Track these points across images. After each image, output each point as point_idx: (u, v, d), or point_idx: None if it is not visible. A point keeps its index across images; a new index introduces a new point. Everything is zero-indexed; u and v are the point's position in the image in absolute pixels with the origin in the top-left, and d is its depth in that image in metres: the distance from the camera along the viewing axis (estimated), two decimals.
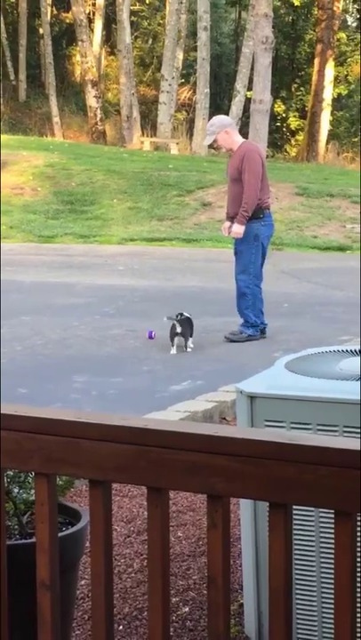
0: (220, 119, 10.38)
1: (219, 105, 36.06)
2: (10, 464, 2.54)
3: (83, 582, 4.05)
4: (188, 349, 9.43)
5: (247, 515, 3.61)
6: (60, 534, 2.62)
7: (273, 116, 30.62)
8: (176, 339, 9.36)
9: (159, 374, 8.44)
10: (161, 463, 2.25)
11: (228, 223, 9.90)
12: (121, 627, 3.85)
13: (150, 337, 9.92)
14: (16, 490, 3.22)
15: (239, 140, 9.96)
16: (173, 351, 9.30)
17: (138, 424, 2.33)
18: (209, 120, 10.85)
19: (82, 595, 4.02)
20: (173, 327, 9.34)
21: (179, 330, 9.35)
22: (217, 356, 9.17)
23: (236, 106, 31.19)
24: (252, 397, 3.39)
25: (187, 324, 9.46)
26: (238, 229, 9.63)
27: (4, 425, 2.42)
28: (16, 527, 3.18)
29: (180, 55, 34.61)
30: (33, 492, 3.12)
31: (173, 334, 9.34)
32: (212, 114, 29.76)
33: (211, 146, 12.04)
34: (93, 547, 2.38)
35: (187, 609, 4.00)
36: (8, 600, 2.54)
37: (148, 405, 6.96)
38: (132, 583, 4.25)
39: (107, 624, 2.40)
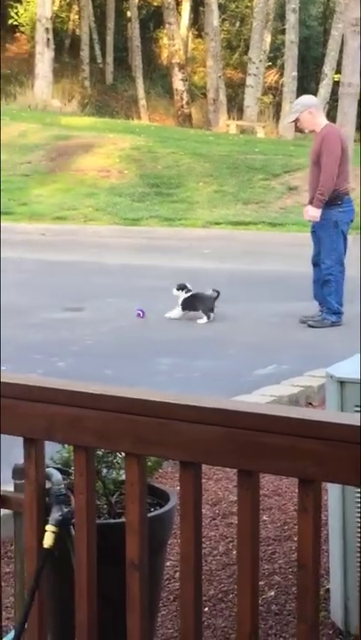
0: (305, 99, 10.30)
1: (306, 88, 35.70)
2: (99, 444, 2.56)
3: (168, 564, 4.06)
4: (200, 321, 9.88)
5: (335, 500, 3.59)
6: (149, 515, 2.63)
7: None
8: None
9: (244, 358, 8.43)
10: (251, 446, 2.24)
11: (309, 206, 9.83)
12: (206, 608, 3.85)
13: (140, 316, 10.01)
14: (104, 470, 3.24)
15: (322, 122, 9.85)
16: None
17: (229, 406, 2.32)
18: None
19: (167, 576, 4.04)
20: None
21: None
22: (301, 341, 9.11)
23: (324, 89, 30.88)
24: (343, 382, 3.36)
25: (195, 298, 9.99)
26: (314, 212, 9.54)
27: (92, 405, 2.44)
28: (105, 507, 3.20)
29: (268, 38, 34.39)
30: (121, 472, 3.14)
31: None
32: (299, 97, 29.54)
33: (297, 128, 11.96)
34: (183, 528, 2.39)
35: (272, 593, 3.99)
36: (97, 578, 2.56)
37: (233, 389, 6.95)
38: (217, 566, 4.26)
39: (195, 605, 2.40)
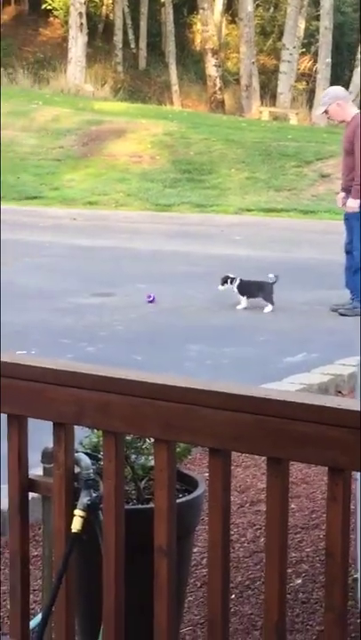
0: (333, 90, 10.24)
1: (339, 75, 35.53)
2: (128, 429, 2.56)
3: (196, 550, 4.06)
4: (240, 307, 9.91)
5: None
6: (177, 501, 2.62)
7: None
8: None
9: (274, 345, 8.41)
10: (281, 434, 2.23)
11: (342, 194, 9.80)
12: (233, 595, 3.85)
13: (150, 301, 10.00)
14: (133, 456, 3.24)
15: (353, 111, 9.79)
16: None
17: (258, 394, 2.32)
18: None
19: (195, 562, 4.04)
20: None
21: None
22: (332, 330, 9.08)
23: (358, 76, 30.68)
24: None
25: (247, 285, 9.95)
26: (353, 204, 9.51)
27: (122, 390, 2.43)
28: (133, 492, 3.20)
29: (302, 24, 34.20)
30: (150, 458, 3.14)
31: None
32: (332, 84, 29.34)
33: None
34: (211, 515, 2.39)
35: (300, 581, 3.98)
36: (125, 563, 2.56)
37: (263, 376, 6.93)
38: (244, 553, 4.26)
39: (222, 592, 2.40)
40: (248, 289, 9.95)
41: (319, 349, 8.13)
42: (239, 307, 9.92)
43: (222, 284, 9.96)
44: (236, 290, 9.91)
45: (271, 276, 9.85)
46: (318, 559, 4.13)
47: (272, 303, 9.81)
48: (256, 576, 4.01)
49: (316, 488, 4.97)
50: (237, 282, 9.90)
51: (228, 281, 9.93)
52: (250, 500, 4.85)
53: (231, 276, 9.95)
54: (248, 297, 9.95)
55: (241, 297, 9.95)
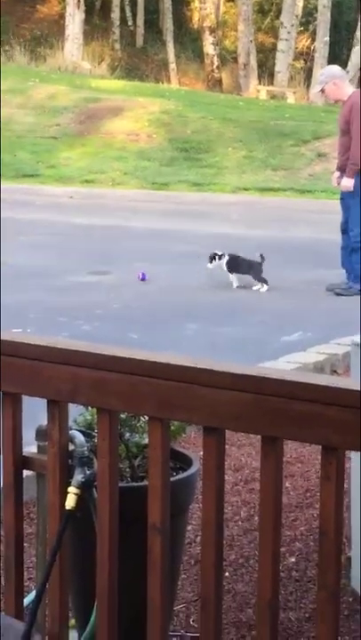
0: (329, 69, 10.22)
1: (337, 54, 35.40)
2: (123, 407, 2.56)
3: (190, 528, 4.07)
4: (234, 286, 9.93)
5: (357, 468, 3.58)
6: (171, 479, 2.63)
7: None
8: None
9: (270, 325, 8.41)
10: (276, 412, 2.23)
11: (337, 173, 9.81)
12: (227, 573, 3.87)
13: (142, 279, 10.01)
14: (127, 434, 3.24)
15: (349, 90, 9.77)
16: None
17: (254, 372, 2.31)
18: None
19: (188, 540, 4.05)
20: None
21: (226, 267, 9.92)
22: (328, 309, 9.08)
23: (356, 55, 30.57)
24: None
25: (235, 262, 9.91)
26: (348, 183, 9.50)
27: (117, 368, 2.43)
28: (128, 470, 3.21)
29: (300, 2, 34.04)
30: (144, 435, 3.14)
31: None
32: (330, 63, 29.23)
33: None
34: (205, 493, 2.39)
35: (293, 559, 4.00)
36: (118, 540, 2.57)
37: (259, 355, 6.94)
38: (238, 531, 4.27)
39: (216, 570, 2.41)
40: (236, 265, 9.93)
41: (315, 329, 8.14)
42: (234, 285, 9.91)
43: (210, 262, 9.97)
44: (225, 267, 9.90)
45: (257, 255, 9.81)
46: (312, 538, 4.14)
47: (265, 282, 9.79)
48: (250, 554, 4.02)
49: (311, 467, 4.98)
50: (226, 258, 9.89)
51: (216, 258, 9.92)
52: (244, 479, 4.86)
53: (219, 252, 9.94)
54: (238, 273, 9.92)
55: (230, 274, 9.92)
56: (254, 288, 9.82)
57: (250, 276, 9.86)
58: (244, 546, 4.12)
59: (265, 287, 9.78)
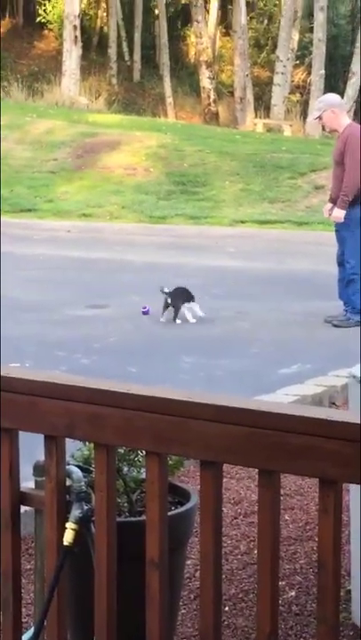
0: (328, 97, 10.26)
1: (334, 87, 35.57)
2: (120, 441, 2.56)
3: (189, 562, 4.06)
4: (191, 320, 9.78)
5: (357, 500, 3.57)
6: (169, 513, 2.62)
7: None
8: (166, 311, 9.78)
9: (268, 357, 8.41)
10: (273, 446, 2.23)
11: (329, 205, 9.84)
12: (227, 607, 3.85)
13: (145, 312, 10.01)
14: (125, 468, 3.24)
15: (345, 122, 9.81)
16: (163, 319, 9.80)
17: (250, 406, 2.31)
18: None
19: (188, 575, 4.03)
20: (165, 299, 9.75)
21: (169, 301, 9.73)
22: (326, 341, 9.09)
23: (352, 88, 30.79)
24: None
25: (179, 295, 9.79)
26: (338, 214, 9.53)
27: (114, 403, 2.43)
28: (126, 505, 3.20)
29: (296, 36, 34.29)
30: (142, 470, 3.14)
31: (165, 305, 9.78)
32: (328, 93, 29.41)
33: (323, 128, 11.91)
34: (203, 527, 2.38)
35: (293, 593, 3.98)
36: (117, 576, 2.56)
37: (257, 388, 6.94)
38: (238, 565, 4.25)
39: (215, 604, 2.40)
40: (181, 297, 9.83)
41: (313, 361, 8.14)
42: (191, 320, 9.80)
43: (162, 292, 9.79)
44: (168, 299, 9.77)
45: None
46: (312, 571, 4.12)
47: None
48: (250, 588, 4.00)
49: (310, 500, 4.96)
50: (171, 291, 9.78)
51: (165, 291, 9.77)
52: (243, 512, 4.84)
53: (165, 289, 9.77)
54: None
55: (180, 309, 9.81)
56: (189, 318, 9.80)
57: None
58: (243, 580, 4.10)
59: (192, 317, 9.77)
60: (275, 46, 33.73)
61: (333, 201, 9.73)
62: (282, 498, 4.94)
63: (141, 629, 2.47)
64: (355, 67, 30.85)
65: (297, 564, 4.25)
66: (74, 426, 2.49)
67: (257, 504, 2.32)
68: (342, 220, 9.52)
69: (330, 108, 9.67)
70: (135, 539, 2.54)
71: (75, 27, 30.11)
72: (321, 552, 2.26)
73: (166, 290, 9.74)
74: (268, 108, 32.17)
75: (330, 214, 9.74)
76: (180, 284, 10.07)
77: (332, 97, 10.34)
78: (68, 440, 2.61)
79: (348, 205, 9.49)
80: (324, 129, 11.58)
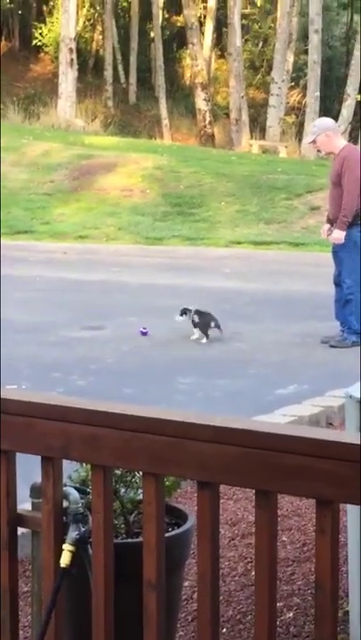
0: (322, 121, 10.29)
1: (329, 108, 35.73)
2: (117, 463, 2.56)
3: (187, 584, 4.04)
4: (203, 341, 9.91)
5: (354, 521, 3.57)
6: (166, 535, 2.62)
7: None
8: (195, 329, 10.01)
9: (265, 377, 8.41)
10: (269, 466, 2.23)
11: (327, 226, 9.85)
12: (225, 629, 3.83)
13: (143, 334, 10.06)
14: (123, 490, 3.23)
15: (341, 143, 9.84)
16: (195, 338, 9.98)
17: (246, 426, 2.32)
18: None
19: (185, 596, 4.02)
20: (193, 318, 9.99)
21: (197, 320, 9.95)
22: (323, 361, 9.09)
23: (347, 109, 30.92)
24: None
25: (203, 316, 9.99)
26: (338, 235, 9.55)
27: (110, 424, 2.43)
28: (123, 526, 3.19)
29: (291, 58, 34.45)
30: (139, 491, 3.13)
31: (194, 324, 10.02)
32: (321, 117, 29.52)
33: (319, 151, 11.95)
34: (200, 548, 2.38)
35: (291, 614, 3.96)
36: (114, 598, 2.55)
37: (255, 408, 6.93)
38: (235, 586, 4.24)
39: (212, 626, 2.39)
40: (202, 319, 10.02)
41: (310, 381, 8.14)
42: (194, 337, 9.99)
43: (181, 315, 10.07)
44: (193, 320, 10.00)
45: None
46: (310, 592, 4.11)
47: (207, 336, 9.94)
48: (248, 610, 3.99)
49: (308, 520, 4.95)
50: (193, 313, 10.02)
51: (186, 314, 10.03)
52: (241, 533, 4.83)
53: (189, 307, 10.05)
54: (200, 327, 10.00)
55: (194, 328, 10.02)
56: (193, 337, 9.96)
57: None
58: (241, 601, 4.09)
59: (204, 339, 9.90)
60: (270, 68, 33.89)
61: (331, 222, 9.75)
62: (279, 519, 4.93)
63: None
64: (349, 89, 30.97)
65: (295, 585, 4.24)
66: (70, 447, 2.49)
67: (254, 525, 2.32)
68: (342, 242, 9.54)
69: (324, 132, 9.70)
70: (132, 560, 2.54)
71: (70, 49, 30.25)
72: (318, 573, 2.25)
73: (191, 308, 10.00)
74: (263, 130, 32.29)
75: (328, 235, 9.76)
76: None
77: (326, 121, 10.37)
78: (65, 461, 2.61)
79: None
80: (319, 151, 11.59)
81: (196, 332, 9.99)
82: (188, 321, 10.01)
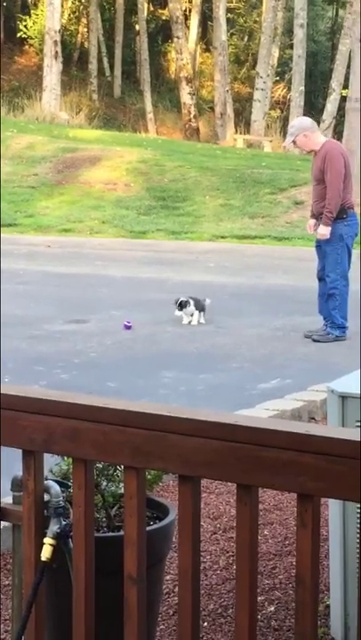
0: (299, 121, 10.28)
1: (313, 103, 35.81)
2: (98, 456, 2.55)
3: (168, 577, 4.05)
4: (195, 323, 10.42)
5: (336, 515, 3.57)
6: (147, 528, 2.61)
7: None
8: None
9: (248, 372, 8.41)
10: (251, 460, 2.23)
11: (312, 221, 9.85)
12: (206, 623, 3.83)
13: (127, 327, 10.12)
14: (104, 483, 3.23)
15: (321, 140, 9.84)
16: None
17: (228, 420, 2.31)
18: None
19: (167, 590, 4.02)
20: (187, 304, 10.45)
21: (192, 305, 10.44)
22: (306, 356, 9.10)
23: (331, 104, 30.95)
24: (344, 397, 3.35)
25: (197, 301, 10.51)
26: (324, 230, 9.55)
27: (92, 417, 2.43)
28: (104, 520, 3.19)
29: (276, 53, 34.50)
30: (121, 485, 3.13)
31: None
32: (306, 112, 29.58)
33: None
34: (181, 542, 2.38)
35: (272, 608, 3.97)
36: (95, 591, 2.55)
37: (237, 403, 6.94)
38: (217, 580, 4.24)
39: (193, 620, 2.39)
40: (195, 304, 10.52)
41: (293, 375, 8.14)
42: (184, 322, 10.43)
43: (179, 311, 10.45)
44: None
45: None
46: (291, 586, 4.11)
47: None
48: (229, 603, 3.99)
49: (290, 514, 4.96)
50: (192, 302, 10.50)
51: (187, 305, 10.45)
52: (223, 527, 4.83)
53: (183, 298, 10.46)
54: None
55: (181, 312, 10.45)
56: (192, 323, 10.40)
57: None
58: (222, 595, 4.10)
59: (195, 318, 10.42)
60: (255, 62, 33.91)
61: (315, 217, 9.76)
62: (261, 513, 4.94)
63: None
64: (334, 83, 31.01)
65: (276, 579, 4.25)
66: (52, 440, 2.49)
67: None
68: (328, 237, 9.55)
69: (302, 132, 9.70)
70: (113, 554, 2.53)
71: (55, 42, 30.18)
72: (299, 567, 2.25)
73: (183, 298, 10.41)
74: (248, 124, 32.32)
75: (314, 230, 9.77)
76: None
77: (303, 120, 10.37)
78: (46, 455, 2.60)
79: None
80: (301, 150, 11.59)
81: (196, 315, 10.45)
82: (188, 311, 10.40)
